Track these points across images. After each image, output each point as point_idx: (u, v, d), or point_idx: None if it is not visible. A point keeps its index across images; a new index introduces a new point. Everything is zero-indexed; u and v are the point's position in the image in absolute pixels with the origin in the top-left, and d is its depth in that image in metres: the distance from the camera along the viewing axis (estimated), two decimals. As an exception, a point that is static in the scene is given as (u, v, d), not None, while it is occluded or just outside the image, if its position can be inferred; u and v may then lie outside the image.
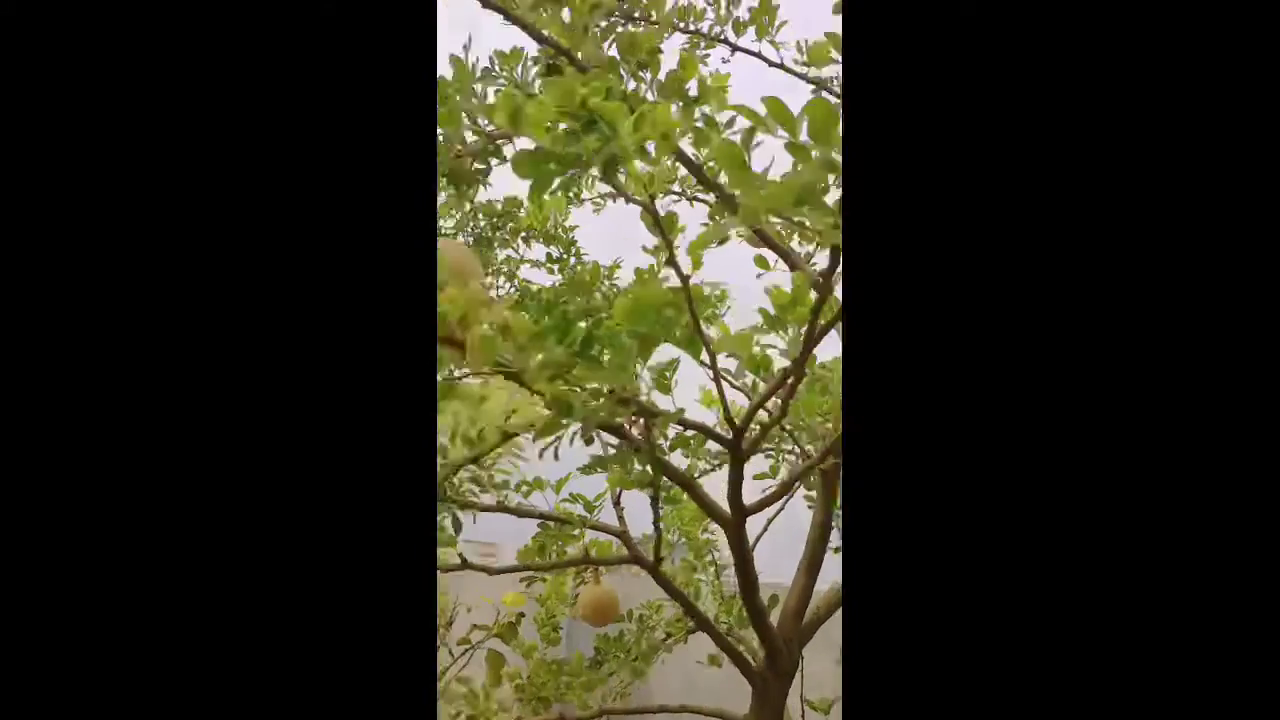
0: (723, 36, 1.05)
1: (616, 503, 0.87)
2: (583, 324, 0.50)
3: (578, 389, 0.57)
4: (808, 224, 0.47)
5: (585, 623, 0.99)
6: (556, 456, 0.64)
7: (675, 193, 1.15)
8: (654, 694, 1.12)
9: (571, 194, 1.54)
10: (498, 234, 1.55)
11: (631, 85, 0.70)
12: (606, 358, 0.50)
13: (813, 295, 0.55)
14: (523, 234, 1.52)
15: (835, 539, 0.98)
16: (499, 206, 1.51)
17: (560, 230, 1.50)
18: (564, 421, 0.56)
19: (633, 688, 1.16)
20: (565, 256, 1.47)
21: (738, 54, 1.08)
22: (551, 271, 1.46)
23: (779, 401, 0.68)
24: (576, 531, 0.90)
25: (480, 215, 1.51)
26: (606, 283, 1.10)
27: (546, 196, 0.52)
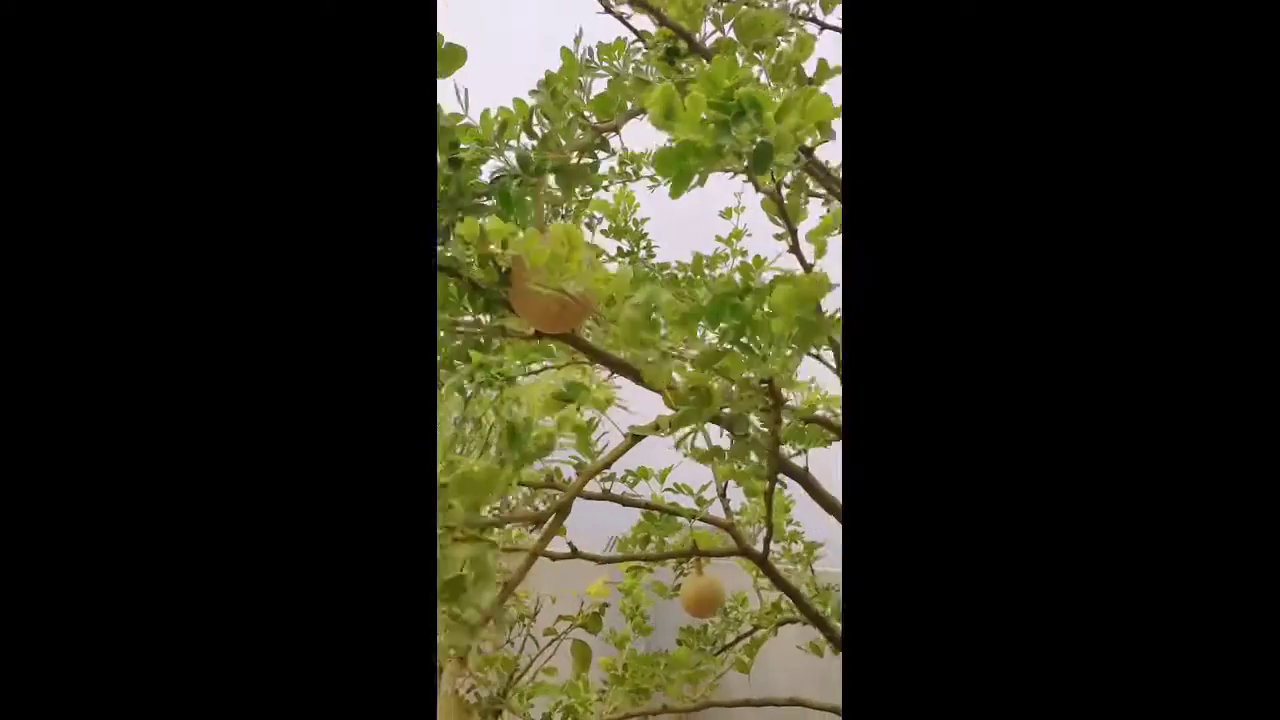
0: (811, 14, 1.03)
1: (722, 494, 0.86)
2: (736, 309, 0.50)
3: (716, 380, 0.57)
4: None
5: (690, 614, 0.98)
6: (692, 449, 0.63)
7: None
8: (742, 686, 1.11)
9: (630, 170, 1.52)
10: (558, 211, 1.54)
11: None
12: (762, 347, 0.50)
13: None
14: (589, 216, 1.51)
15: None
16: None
17: (631, 223, 1.49)
18: (701, 411, 0.55)
19: (723, 680, 1.16)
20: (635, 250, 1.46)
21: (825, 31, 1.05)
22: (623, 265, 1.45)
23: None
24: (682, 523, 0.90)
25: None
26: (701, 273, 1.08)
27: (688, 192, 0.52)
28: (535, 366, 0.94)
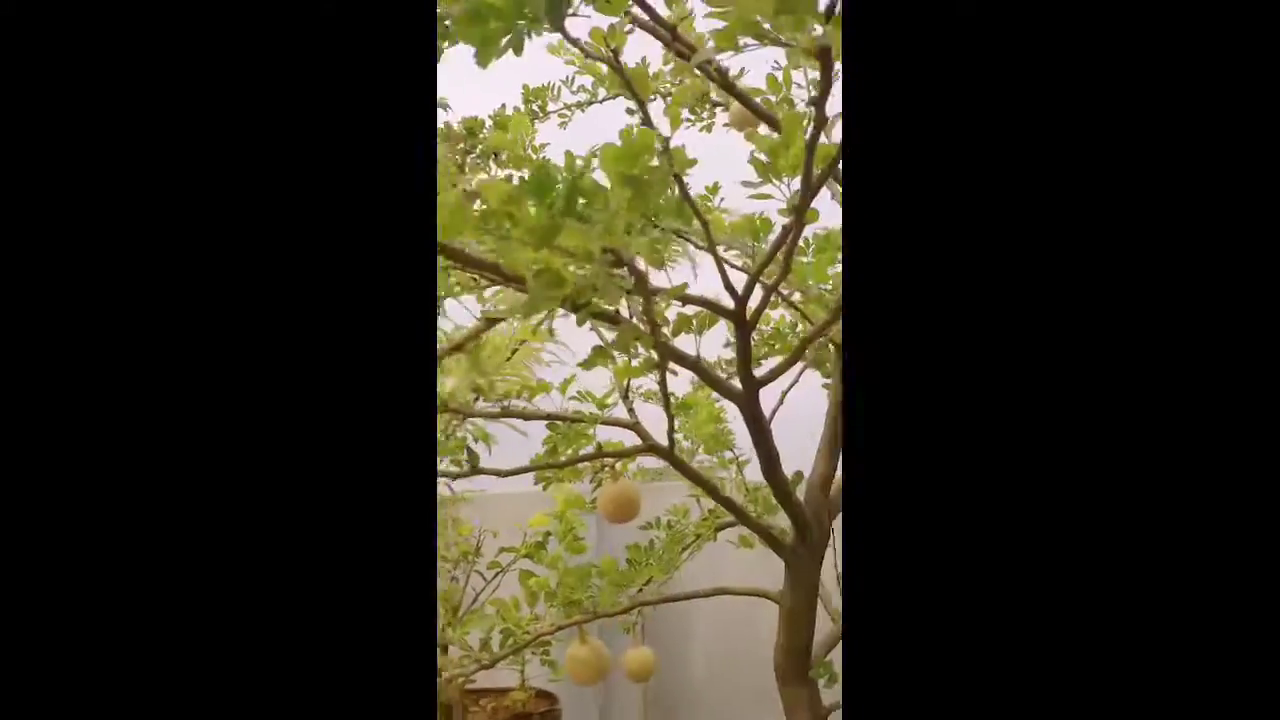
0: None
1: (625, 396, 0.85)
2: (562, 181, 0.47)
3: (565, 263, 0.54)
4: (792, 40, 0.43)
5: (609, 521, 0.98)
6: (551, 333, 0.61)
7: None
8: (686, 587, 1.12)
9: (538, 108, 1.47)
10: (468, 159, 1.49)
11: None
12: (595, 214, 0.47)
13: (807, 134, 0.51)
14: (493, 155, 1.46)
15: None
16: (457, 129, 1.45)
17: (531, 150, 1.43)
18: (551, 294, 0.52)
19: (665, 585, 1.16)
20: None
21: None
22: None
23: (782, 263, 0.64)
24: (590, 431, 0.88)
25: (444, 141, 1.45)
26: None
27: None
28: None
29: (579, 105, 1.52)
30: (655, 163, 0.47)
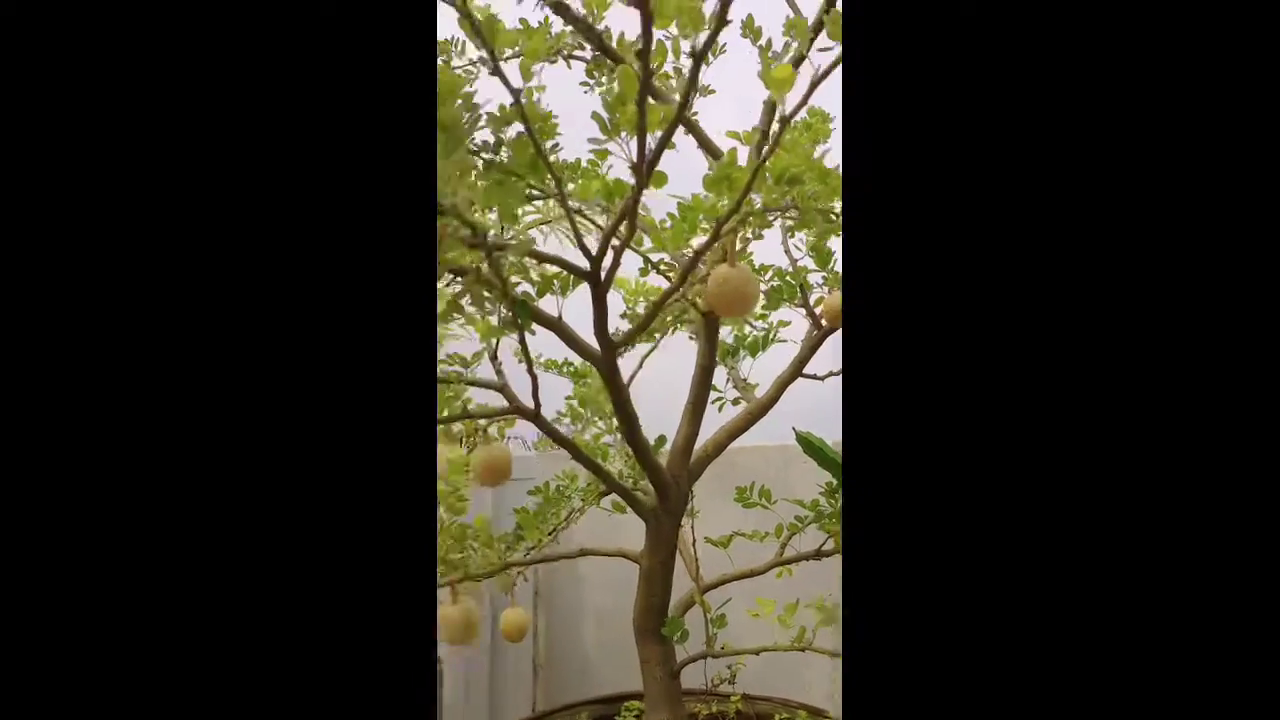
0: None
1: (493, 357, 0.85)
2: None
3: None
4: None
5: (481, 484, 0.98)
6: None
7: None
8: (562, 550, 1.14)
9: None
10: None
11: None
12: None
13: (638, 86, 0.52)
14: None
15: (719, 382, 0.98)
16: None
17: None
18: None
19: (550, 548, 1.17)
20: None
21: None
22: None
23: (628, 222, 0.65)
24: (458, 394, 0.88)
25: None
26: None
27: None
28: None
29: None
30: (458, 107, 0.47)
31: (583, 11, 0.66)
